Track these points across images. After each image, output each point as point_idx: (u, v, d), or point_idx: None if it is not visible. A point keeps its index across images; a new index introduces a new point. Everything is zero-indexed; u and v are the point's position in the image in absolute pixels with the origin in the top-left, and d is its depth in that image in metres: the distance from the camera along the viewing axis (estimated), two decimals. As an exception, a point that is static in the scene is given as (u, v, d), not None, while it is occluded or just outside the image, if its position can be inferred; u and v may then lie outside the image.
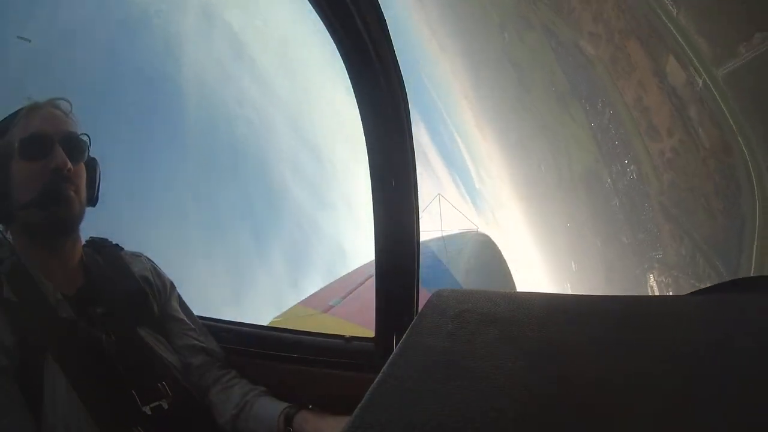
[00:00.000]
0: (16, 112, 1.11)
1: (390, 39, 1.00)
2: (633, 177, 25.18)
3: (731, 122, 15.11)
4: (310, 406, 1.25)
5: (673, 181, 20.63)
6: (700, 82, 15.98)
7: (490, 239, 9.60)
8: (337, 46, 1.00)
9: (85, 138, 1.15)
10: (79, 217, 1.14)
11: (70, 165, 1.07)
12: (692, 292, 0.84)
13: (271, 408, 1.22)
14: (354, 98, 1.08)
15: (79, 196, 1.12)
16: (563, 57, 26.60)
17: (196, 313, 1.43)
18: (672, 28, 16.19)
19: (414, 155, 1.16)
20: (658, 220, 23.04)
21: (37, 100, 1.14)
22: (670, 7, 15.85)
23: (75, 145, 1.11)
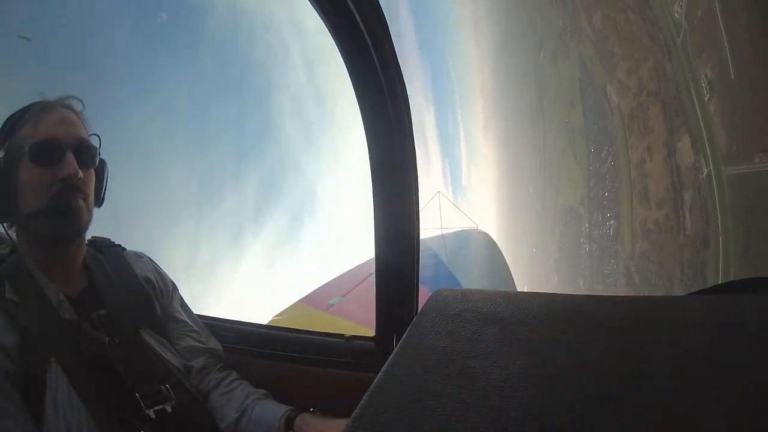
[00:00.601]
0: (27, 108, 1.09)
1: (390, 38, 1.00)
2: (609, 232, 25.86)
3: (719, 221, 15.31)
4: (312, 409, 1.26)
5: (645, 252, 20.99)
6: (705, 171, 16.10)
7: (489, 237, 9.59)
8: (337, 45, 1.00)
9: (95, 140, 1.14)
10: (87, 225, 1.13)
11: (80, 174, 1.06)
12: (691, 293, 0.84)
13: (272, 411, 1.21)
14: (355, 97, 1.08)
15: (88, 204, 1.11)
16: (587, 94, 26.92)
17: (196, 313, 1.43)
18: (698, 110, 16.32)
19: (415, 154, 1.16)
20: (618, 279, 23.57)
21: (48, 98, 1.12)
22: (705, 91, 15.87)
23: (86, 152, 1.10)
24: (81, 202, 1.08)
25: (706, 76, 15.78)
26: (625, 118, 22.09)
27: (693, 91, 16.48)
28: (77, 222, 1.09)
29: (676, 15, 17.07)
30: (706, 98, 15.85)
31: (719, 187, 15.31)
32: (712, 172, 15.65)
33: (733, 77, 14.35)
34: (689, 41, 16.54)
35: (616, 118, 23.03)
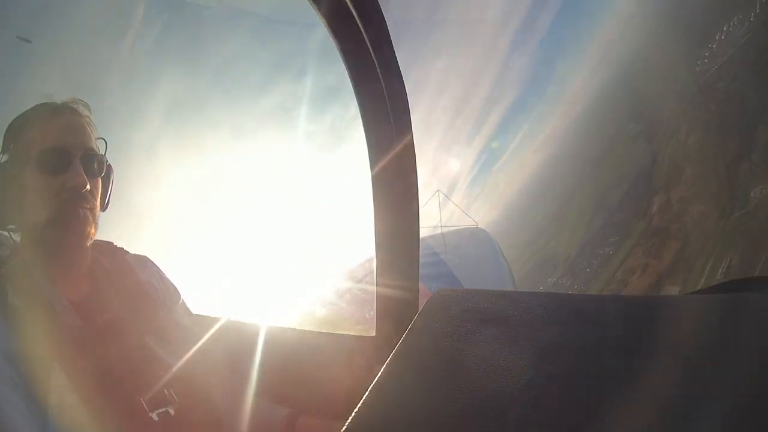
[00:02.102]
0: (34, 111, 1.07)
1: (390, 40, 1.00)
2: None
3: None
4: (313, 412, 1.26)
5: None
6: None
7: (489, 236, 9.56)
8: (336, 45, 1.00)
9: (102, 143, 1.13)
10: (94, 235, 1.11)
11: (88, 186, 1.05)
12: (691, 292, 0.84)
13: (273, 414, 1.23)
14: (355, 97, 1.09)
15: (94, 215, 1.10)
16: (637, 185, 27.29)
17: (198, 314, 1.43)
18: (703, 281, 16.14)
19: (414, 153, 1.16)
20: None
21: (55, 100, 1.10)
22: (719, 274, 15.58)
23: (94, 161, 1.09)
24: (88, 212, 1.07)
25: (730, 261, 15.58)
26: (648, 229, 22.48)
27: (709, 264, 16.38)
28: (84, 233, 1.07)
29: (751, 194, 16.72)
30: (721, 274, 15.51)
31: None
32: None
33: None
34: (744, 223, 16.30)
35: (641, 225, 23.46)
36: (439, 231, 8.46)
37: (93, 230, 1.10)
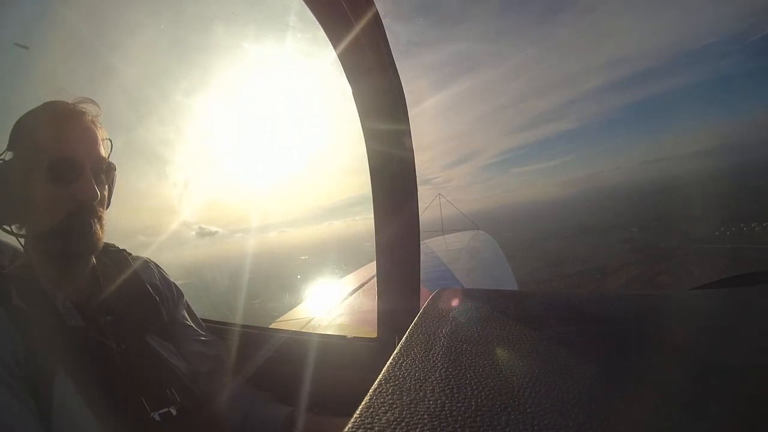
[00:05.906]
0: (43, 110, 1.05)
1: (386, 39, 1.00)
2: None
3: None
4: (316, 410, 1.26)
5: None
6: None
7: (490, 238, 9.54)
8: (334, 46, 1.01)
9: (108, 144, 1.12)
10: (101, 244, 1.10)
11: (98, 196, 1.04)
12: (694, 288, 0.84)
13: (275, 412, 1.23)
14: (353, 99, 1.09)
15: (102, 223, 1.08)
16: (592, 271, 27.47)
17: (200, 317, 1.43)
18: None
19: (413, 157, 1.17)
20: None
21: (65, 97, 1.08)
22: None
23: (104, 171, 1.08)
24: (96, 222, 1.06)
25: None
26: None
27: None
28: (92, 244, 1.06)
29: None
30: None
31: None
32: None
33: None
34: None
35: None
36: (440, 234, 8.46)
37: (101, 239, 1.09)
